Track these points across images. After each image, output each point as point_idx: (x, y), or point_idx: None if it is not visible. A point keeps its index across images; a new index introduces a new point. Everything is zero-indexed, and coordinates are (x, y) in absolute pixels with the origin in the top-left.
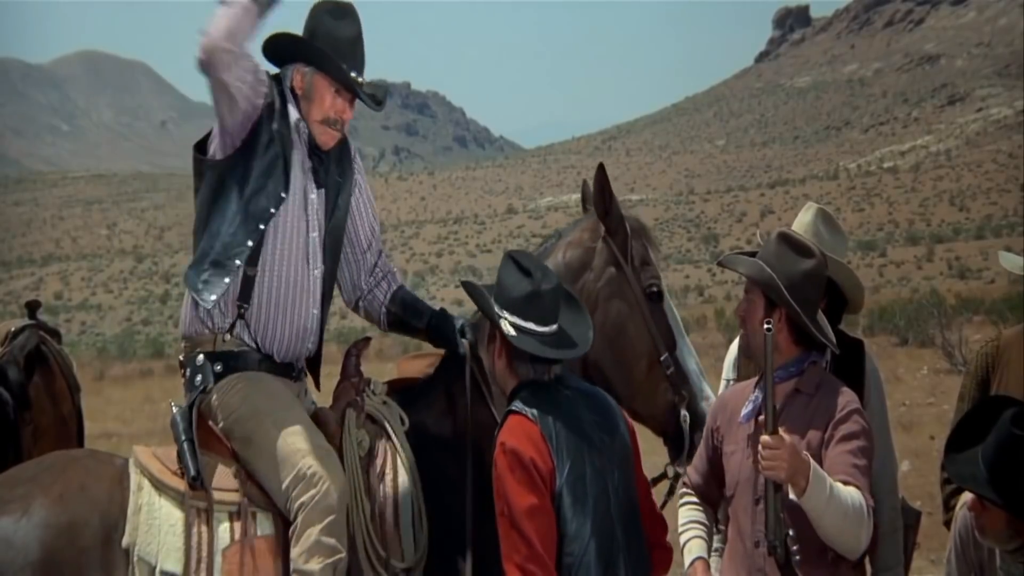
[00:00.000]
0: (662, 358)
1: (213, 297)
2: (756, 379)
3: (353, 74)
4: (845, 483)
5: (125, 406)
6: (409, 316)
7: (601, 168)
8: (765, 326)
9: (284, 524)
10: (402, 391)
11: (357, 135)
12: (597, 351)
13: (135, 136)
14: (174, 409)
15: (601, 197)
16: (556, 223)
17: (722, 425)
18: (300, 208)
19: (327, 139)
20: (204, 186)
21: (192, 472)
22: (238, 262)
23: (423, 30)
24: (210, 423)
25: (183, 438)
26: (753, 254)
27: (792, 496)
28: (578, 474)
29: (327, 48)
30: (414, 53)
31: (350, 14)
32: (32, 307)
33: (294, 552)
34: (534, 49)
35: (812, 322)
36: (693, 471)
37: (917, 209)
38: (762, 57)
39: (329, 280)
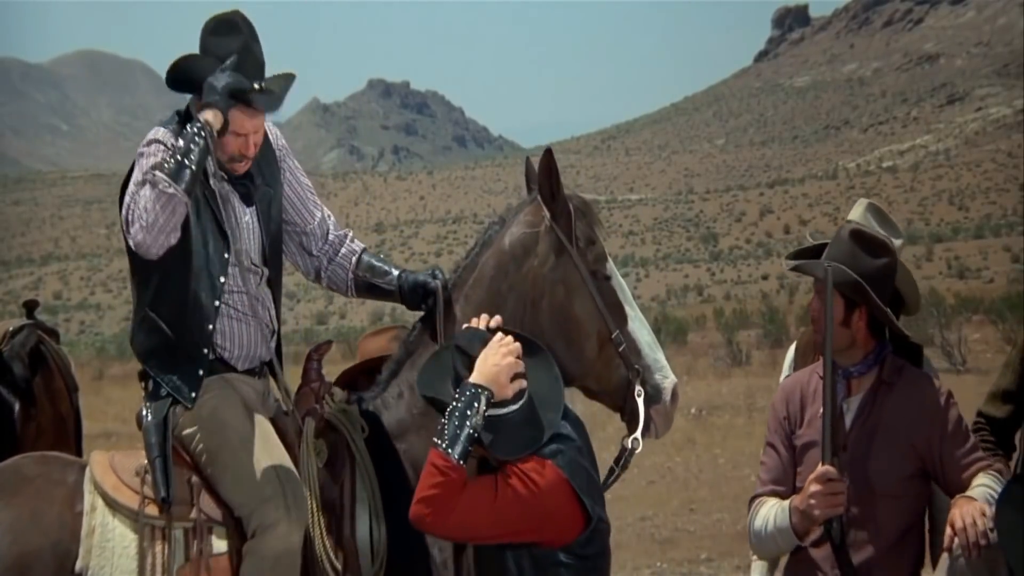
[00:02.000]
0: (613, 335)
1: (194, 395)
2: (812, 368)
3: (251, 84)
4: (985, 468)
5: (124, 405)
6: (377, 278)
7: (548, 152)
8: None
9: (239, 539)
10: (366, 376)
11: (356, 135)
12: (548, 336)
13: (134, 135)
14: (148, 419)
15: (548, 181)
16: None
17: (792, 414)
18: (239, 243)
19: (241, 167)
20: (137, 259)
21: (163, 494)
22: (205, 350)
23: (422, 30)
24: (171, 432)
25: (156, 454)
26: (815, 251)
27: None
28: (597, 530)
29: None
30: (413, 53)
31: (233, 26)
32: (30, 306)
33: (244, 571)
34: (533, 49)
35: (891, 317)
36: (761, 485)
37: (916, 208)
38: (761, 57)
39: (276, 280)
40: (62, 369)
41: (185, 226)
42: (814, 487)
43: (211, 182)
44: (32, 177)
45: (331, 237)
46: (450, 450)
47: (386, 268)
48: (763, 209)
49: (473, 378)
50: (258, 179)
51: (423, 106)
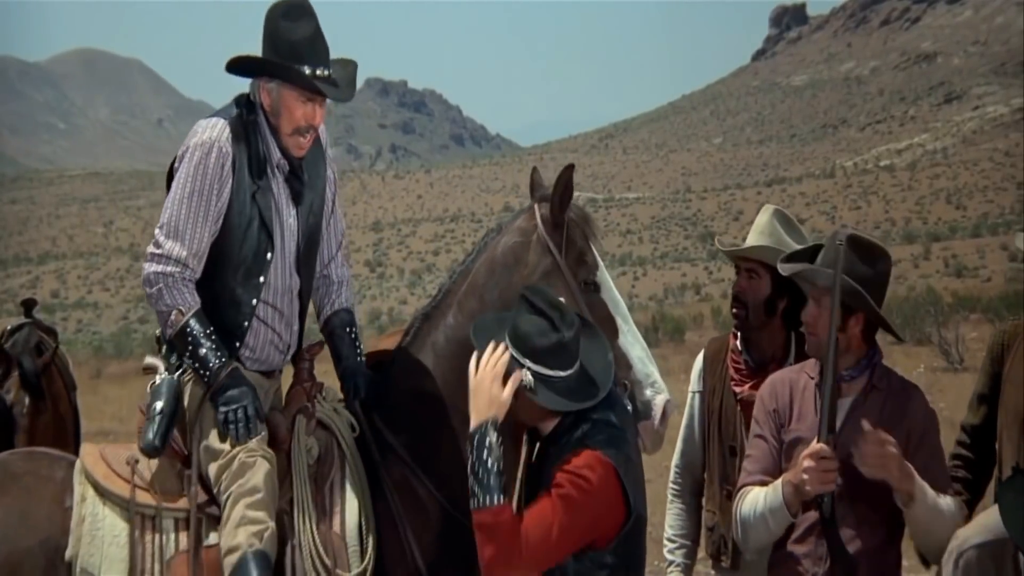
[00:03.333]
0: None
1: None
2: (802, 366)
3: (318, 71)
4: (942, 492)
5: (122, 404)
6: (331, 350)
7: (570, 168)
8: (838, 243)
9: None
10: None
11: (354, 133)
12: None
13: (131, 134)
14: (160, 376)
15: (561, 195)
16: None
17: (780, 408)
18: (281, 243)
19: (300, 149)
20: None
21: (157, 443)
22: (237, 343)
23: (420, 28)
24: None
25: (161, 409)
26: (810, 254)
27: (898, 502)
28: (637, 527)
29: (286, 54)
30: (411, 51)
31: (304, 11)
32: (28, 305)
33: (222, 533)
34: (531, 47)
35: (888, 322)
36: (757, 473)
37: (914, 207)
38: (759, 55)
39: (307, 287)
40: (61, 368)
41: (228, 220)
42: (808, 463)
43: (268, 171)
44: (29, 176)
45: (332, 274)
46: (487, 499)
47: (339, 351)
48: (760, 208)
49: (472, 423)
50: (306, 178)
51: (420, 105)
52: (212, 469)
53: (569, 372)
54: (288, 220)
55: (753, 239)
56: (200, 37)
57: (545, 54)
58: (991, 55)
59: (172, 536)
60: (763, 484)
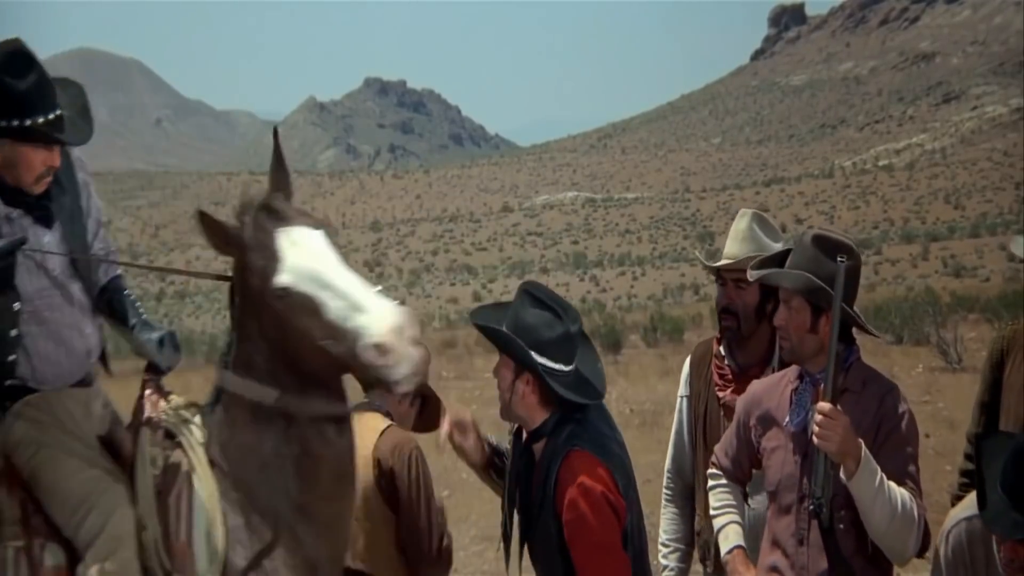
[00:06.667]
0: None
1: None
2: (784, 373)
3: (51, 116)
4: (899, 484)
5: (119, 404)
6: (115, 314)
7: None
8: (840, 260)
9: (72, 555)
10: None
11: (353, 133)
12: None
13: (130, 134)
14: None
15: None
16: (551, 221)
17: (757, 422)
18: (36, 273)
19: (43, 186)
20: None
21: None
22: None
23: (419, 28)
24: None
25: None
26: (779, 259)
27: (842, 476)
28: (634, 513)
29: (15, 109)
30: (410, 51)
31: (26, 60)
32: None
33: None
34: (529, 47)
35: (859, 319)
36: (722, 454)
37: (912, 207)
38: (757, 55)
39: (89, 289)
40: None
41: None
42: (818, 417)
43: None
44: None
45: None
46: None
47: (124, 312)
48: (759, 208)
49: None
50: (55, 189)
51: (419, 104)
52: (59, 509)
53: (569, 368)
54: (45, 239)
55: (734, 246)
56: (199, 37)
57: (544, 54)
58: (990, 55)
59: (12, 564)
60: (727, 471)
